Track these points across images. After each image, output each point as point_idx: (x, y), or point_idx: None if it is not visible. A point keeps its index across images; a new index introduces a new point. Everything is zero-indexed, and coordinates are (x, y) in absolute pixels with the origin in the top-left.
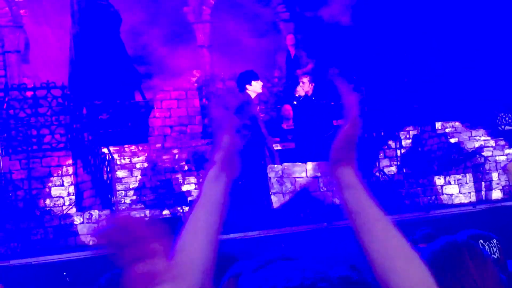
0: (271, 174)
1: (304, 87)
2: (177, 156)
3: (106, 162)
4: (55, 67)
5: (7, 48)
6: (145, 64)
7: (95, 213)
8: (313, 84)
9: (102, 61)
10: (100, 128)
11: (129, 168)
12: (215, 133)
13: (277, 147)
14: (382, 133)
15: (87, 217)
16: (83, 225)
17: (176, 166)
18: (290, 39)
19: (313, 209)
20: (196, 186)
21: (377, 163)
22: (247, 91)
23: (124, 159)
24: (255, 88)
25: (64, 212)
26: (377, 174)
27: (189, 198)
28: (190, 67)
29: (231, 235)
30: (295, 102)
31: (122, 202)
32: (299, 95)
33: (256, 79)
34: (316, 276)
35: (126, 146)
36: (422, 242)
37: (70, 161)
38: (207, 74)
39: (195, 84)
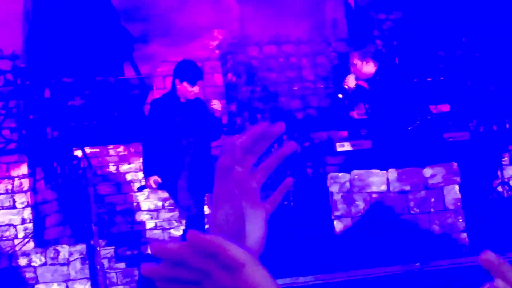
0: (334, 188)
1: (366, 68)
2: None
3: (81, 171)
4: (4, 27)
5: None
6: (140, 20)
7: (64, 249)
8: (376, 65)
9: (74, 18)
10: (70, 119)
11: (115, 180)
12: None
13: (345, 147)
14: (507, 125)
15: (52, 256)
16: (45, 267)
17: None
18: None
19: (399, 241)
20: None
21: (499, 172)
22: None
23: (107, 166)
24: (184, 90)
25: (17, 248)
26: (500, 188)
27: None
28: (210, 26)
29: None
30: (340, 95)
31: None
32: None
33: (190, 81)
34: None
35: (111, 147)
36: None
37: (25, 171)
38: (234, 36)
39: (217, 51)
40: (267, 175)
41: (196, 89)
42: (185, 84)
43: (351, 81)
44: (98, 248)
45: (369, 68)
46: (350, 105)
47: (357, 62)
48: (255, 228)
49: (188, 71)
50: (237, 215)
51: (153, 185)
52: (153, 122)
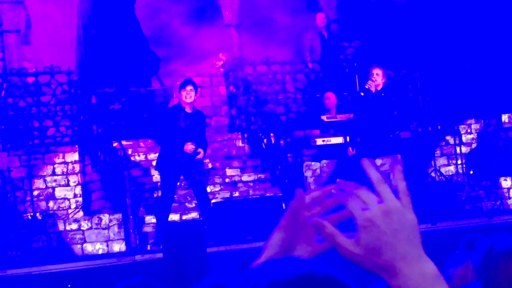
0: (308, 173)
1: (378, 80)
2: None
3: (118, 159)
4: (60, 49)
5: (6, 27)
6: (164, 45)
7: (105, 217)
8: (385, 79)
9: (114, 43)
10: (111, 119)
11: (144, 165)
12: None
13: (317, 142)
14: (439, 127)
15: (96, 222)
16: (91, 231)
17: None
18: (321, 19)
19: None
20: (221, 186)
21: (432, 162)
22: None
23: (138, 155)
24: (182, 97)
25: (70, 216)
26: (433, 174)
27: (213, 201)
28: (216, 50)
29: None
30: (362, 94)
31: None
32: (368, 88)
33: (182, 87)
34: (315, 268)
35: (141, 140)
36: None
37: (76, 158)
38: (234, 58)
39: (221, 69)
40: (317, 229)
41: (184, 95)
42: (181, 92)
43: (373, 87)
44: (130, 216)
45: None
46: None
47: (378, 73)
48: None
49: (181, 83)
50: (289, 242)
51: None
52: (161, 125)
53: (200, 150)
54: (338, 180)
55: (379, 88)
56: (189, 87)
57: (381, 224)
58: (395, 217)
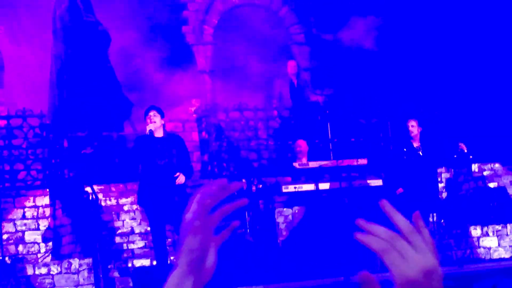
0: (280, 219)
1: (414, 131)
2: None
3: (89, 203)
4: (33, 92)
5: None
6: (137, 91)
7: (75, 262)
8: (421, 128)
9: (87, 87)
10: (83, 164)
11: (115, 210)
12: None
13: (289, 188)
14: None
15: (66, 266)
16: (60, 275)
17: None
18: (292, 67)
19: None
20: None
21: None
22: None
23: (110, 200)
24: (148, 124)
25: (40, 260)
26: None
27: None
28: (189, 95)
29: None
30: (405, 149)
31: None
32: (410, 143)
33: (146, 114)
34: None
35: (113, 185)
36: None
37: (47, 201)
38: (207, 104)
39: (194, 115)
40: (221, 219)
41: (148, 121)
42: (146, 120)
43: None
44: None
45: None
46: (292, 158)
47: (413, 125)
48: (209, 255)
49: (144, 111)
50: (206, 245)
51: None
52: (135, 154)
53: (178, 173)
54: (358, 220)
55: (417, 138)
56: (152, 113)
57: (421, 286)
58: (436, 277)
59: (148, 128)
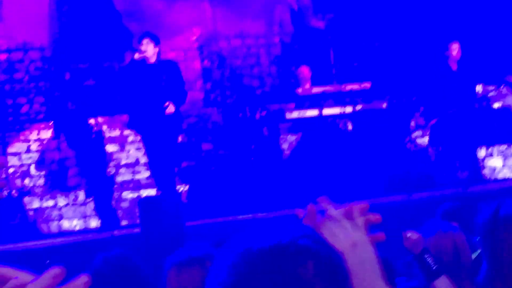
0: (284, 145)
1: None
2: None
3: (94, 135)
4: (33, 25)
5: None
6: (137, 20)
7: (82, 194)
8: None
9: (87, 18)
10: (85, 96)
11: (119, 141)
12: None
13: (294, 114)
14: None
15: (73, 198)
16: (67, 207)
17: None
18: None
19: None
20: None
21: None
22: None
23: (114, 130)
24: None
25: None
26: (409, 145)
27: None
28: (190, 24)
29: None
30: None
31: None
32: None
33: (139, 42)
34: (295, 234)
35: (117, 116)
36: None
37: (51, 134)
38: (209, 31)
39: (196, 43)
40: None
41: (142, 49)
42: (139, 48)
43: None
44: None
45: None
46: (296, 84)
47: (455, 48)
48: None
49: (137, 39)
50: None
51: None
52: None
53: (168, 103)
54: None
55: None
56: (145, 41)
57: (348, 256)
58: (361, 249)
59: (136, 56)
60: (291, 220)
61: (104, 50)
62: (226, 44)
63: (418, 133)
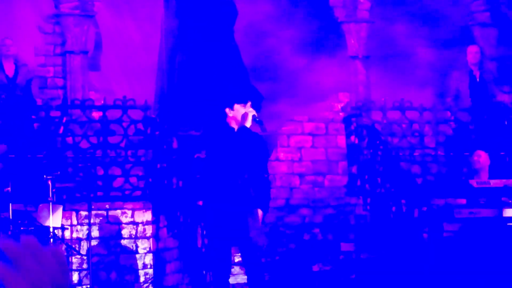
0: None
1: None
2: (307, 219)
3: (203, 223)
4: (137, 77)
5: (69, 47)
6: (269, 80)
7: None
8: None
9: (205, 73)
10: (196, 171)
11: None
12: None
13: (462, 214)
14: None
15: None
16: None
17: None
18: (473, 55)
19: None
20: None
21: None
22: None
23: None
24: (236, 113)
25: None
26: None
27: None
28: (335, 88)
29: None
30: None
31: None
32: None
33: (240, 102)
34: None
35: None
36: None
37: (149, 218)
38: (359, 99)
39: (341, 114)
40: None
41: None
42: (236, 106)
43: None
44: None
45: None
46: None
47: None
48: None
49: (237, 94)
50: None
51: None
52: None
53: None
54: None
55: None
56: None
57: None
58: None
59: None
60: None
61: (223, 116)
62: (380, 117)
63: None
